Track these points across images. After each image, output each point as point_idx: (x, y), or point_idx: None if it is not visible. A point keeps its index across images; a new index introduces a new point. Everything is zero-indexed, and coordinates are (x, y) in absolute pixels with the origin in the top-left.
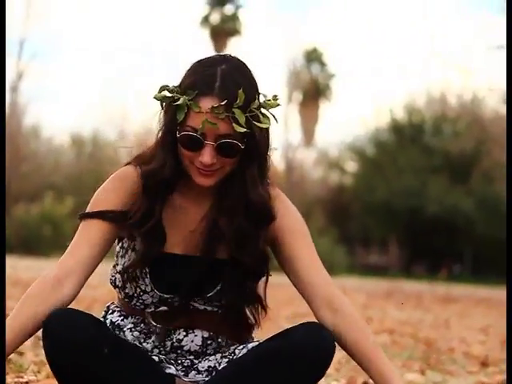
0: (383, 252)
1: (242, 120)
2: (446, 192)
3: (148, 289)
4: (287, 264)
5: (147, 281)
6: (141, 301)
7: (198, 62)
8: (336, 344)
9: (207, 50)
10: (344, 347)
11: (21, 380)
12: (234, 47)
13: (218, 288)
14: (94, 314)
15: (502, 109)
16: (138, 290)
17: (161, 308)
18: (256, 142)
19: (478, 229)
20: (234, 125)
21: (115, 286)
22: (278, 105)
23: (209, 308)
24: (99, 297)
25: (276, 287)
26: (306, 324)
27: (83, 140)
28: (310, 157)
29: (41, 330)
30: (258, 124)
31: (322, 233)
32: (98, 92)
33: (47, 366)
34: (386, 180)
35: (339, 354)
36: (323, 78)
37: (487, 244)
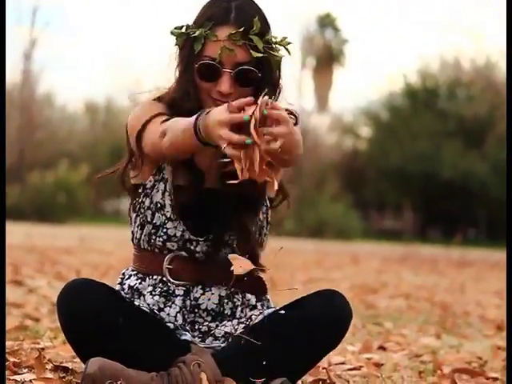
0: (398, 217)
1: (261, 45)
2: (461, 156)
3: (173, 216)
4: None
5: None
6: (164, 230)
7: (212, 0)
8: (352, 314)
9: None
10: None
11: (37, 346)
12: None
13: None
14: (110, 282)
15: None
16: (163, 217)
17: (180, 253)
18: (271, 72)
19: (493, 193)
20: (251, 51)
21: (143, 225)
22: (289, 43)
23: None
24: (115, 263)
25: (291, 253)
26: (322, 292)
27: (97, 107)
28: (324, 122)
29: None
30: (274, 53)
31: (336, 198)
32: (112, 59)
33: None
34: (400, 145)
35: (354, 319)
36: (337, 44)
37: (502, 208)
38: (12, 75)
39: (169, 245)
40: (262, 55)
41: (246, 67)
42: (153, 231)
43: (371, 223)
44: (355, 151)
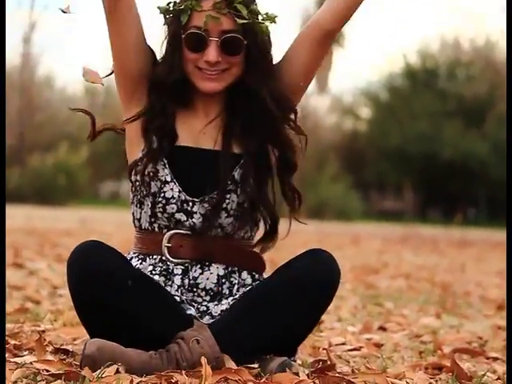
0: (398, 197)
1: (245, 12)
2: (461, 136)
3: (168, 178)
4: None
5: (167, 171)
6: (162, 194)
7: None
8: (340, 268)
9: None
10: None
11: (37, 328)
12: None
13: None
14: None
15: None
16: (159, 183)
17: (179, 230)
18: (258, 41)
19: (493, 173)
20: (236, 19)
21: (142, 201)
22: (275, 16)
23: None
24: (115, 245)
25: (291, 234)
26: (308, 251)
27: (96, 89)
28: (324, 103)
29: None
30: (260, 22)
31: (336, 179)
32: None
33: (63, 314)
34: (400, 125)
35: (355, 299)
36: None
37: (502, 188)
38: (11, 58)
39: (168, 208)
40: (246, 21)
41: (232, 34)
42: (153, 200)
43: (371, 204)
44: (355, 132)
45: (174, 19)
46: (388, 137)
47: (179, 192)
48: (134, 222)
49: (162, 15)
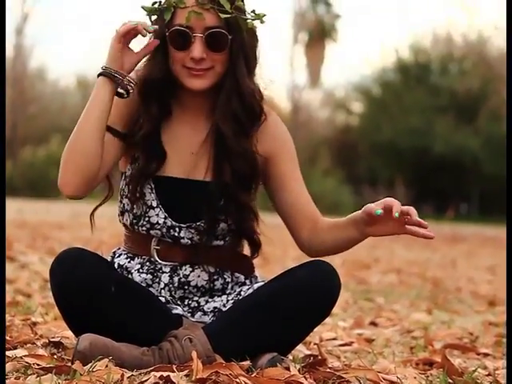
0: (390, 192)
1: (228, 6)
2: (453, 131)
3: (154, 204)
4: (274, 184)
5: (153, 196)
6: (147, 219)
7: None
8: (341, 282)
9: None
10: (324, 246)
11: (28, 322)
12: None
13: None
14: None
15: None
16: (145, 206)
17: (166, 239)
18: (242, 35)
19: (485, 168)
20: (219, 14)
21: (123, 212)
22: (264, 15)
23: (217, 242)
24: (107, 239)
25: (283, 229)
26: (310, 262)
27: (89, 82)
28: (316, 97)
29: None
30: (244, 16)
31: (328, 173)
32: (103, 34)
33: (55, 308)
34: (392, 120)
35: (346, 294)
36: (329, 19)
37: (494, 183)
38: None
39: (152, 232)
40: (230, 16)
41: (216, 30)
42: (134, 221)
43: (363, 198)
44: (347, 126)
45: (159, 18)
46: (380, 131)
47: (165, 218)
48: (119, 221)
49: (147, 16)
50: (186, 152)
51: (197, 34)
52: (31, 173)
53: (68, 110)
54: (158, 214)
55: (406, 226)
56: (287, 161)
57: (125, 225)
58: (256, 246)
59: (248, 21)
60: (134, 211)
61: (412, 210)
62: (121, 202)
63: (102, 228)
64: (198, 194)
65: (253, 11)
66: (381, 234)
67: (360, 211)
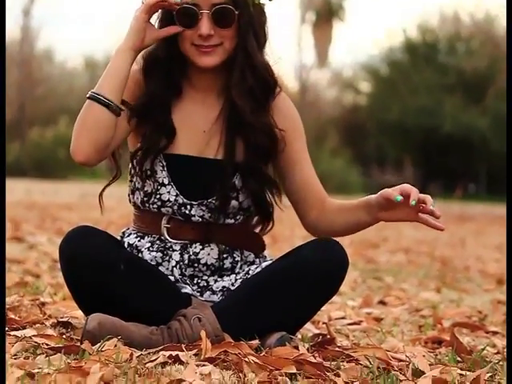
0: (398, 172)
1: None
2: (461, 111)
3: (166, 181)
4: (284, 162)
5: (165, 173)
6: (158, 196)
7: None
8: (348, 259)
9: None
10: (332, 228)
11: (37, 302)
12: None
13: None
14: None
15: None
16: (156, 184)
17: (176, 217)
18: (249, 13)
19: (493, 147)
20: None
21: (134, 191)
22: None
23: (228, 220)
24: (115, 219)
25: (291, 208)
26: (317, 239)
27: (96, 63)
28: (324, 77)
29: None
30: None
31: (336, 153)
32: (111, 15)
33: (63, 288)
34: (400, 99)
35: (354, 273)
36: None
37: (502, 162)
38: (11, 32)
39: (163, 210)
40: None
41: (222, 5)
42: (145, 199)
43: (371, 178)
44: (355, 106)
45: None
46: (388, 111)
47: (176, 196)
48: (129, 201)
49: None
50: (198, 130)
51: (203, 11)
52: (39, 154)
53: (75, 92)
54: (169, 192)
55: (419, 214)
56: (297, 140)
57: (135, 204)
58: (270, 221)
59: None
60: (145, 189)
61: (428, 198)
62: (131, 181)
63: (110, 209)
64: (210, 171)
65: None
66: (393, 219)
67: (375, 195)
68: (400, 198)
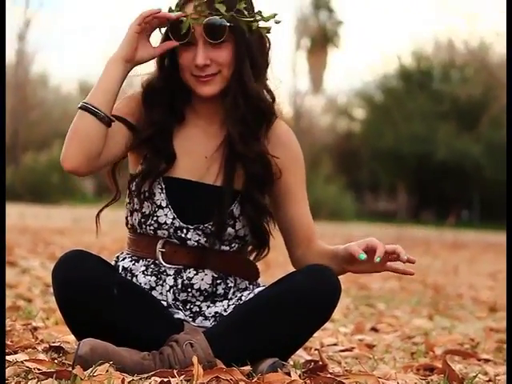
0: (392, 198)
1: (223, 9)
2: (455, 138)
3: (163, 204)
4: (280, 195)
5: (163, 196)
6: (155, 218)
7: None
8: (341, 286)
9: None
10: None
11: (29, 326)
12: None
13: (236, 210)
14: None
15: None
16: (154, 206)
17: (172, 240)
18: (245, 39)
19: (487, 174)
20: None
21: (132, 212)
22: (276, 15)
23: (223, 247)
24: (108, 244)
25: None
26: (309, 266)
27: (91, 88)
28: (319, 104)
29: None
30: (245, 18)
31: (330, 180)
32: (106, 40)
33: (56, 312)
34: (394, 126)
35: (347, 300)
36: (331, 25)
37: (496, 189)
38: (6, 56)
39: (160, 233)
40: (226, 15)
41: (212, 17)
42: (142, 220)
43: (365, 205)
44: (349, 133)
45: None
46: (382, 138)
47: (173, 219)
48: (126, 224)
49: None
50: (199, 156)
51: (198, 38)
52: (33, 178)
53: (70, 116)
54: (166, 214)
55: (388, 263)
56: (296, 173)
57: (132, 226)
58: (266, 247)
59: (252, 23)
60: (143, 210)
61: (399, 249)
62: (130, 202)
63: (103, 233)
64: (208, 196)
65: (258, 12)
66: (361, 272)
67: (343, 247)
68: (364, 256)
